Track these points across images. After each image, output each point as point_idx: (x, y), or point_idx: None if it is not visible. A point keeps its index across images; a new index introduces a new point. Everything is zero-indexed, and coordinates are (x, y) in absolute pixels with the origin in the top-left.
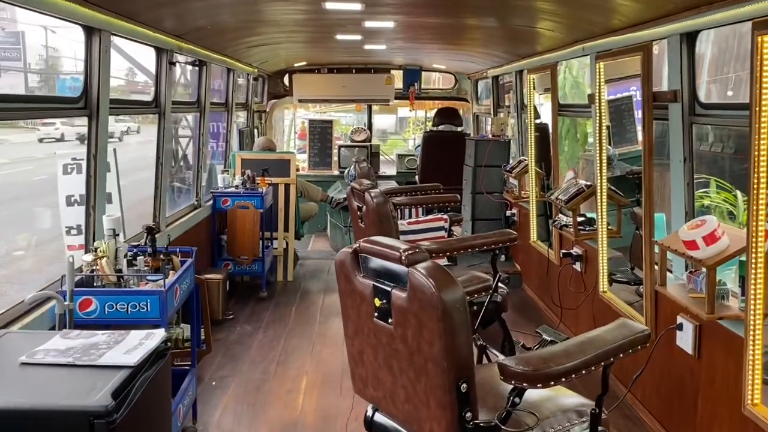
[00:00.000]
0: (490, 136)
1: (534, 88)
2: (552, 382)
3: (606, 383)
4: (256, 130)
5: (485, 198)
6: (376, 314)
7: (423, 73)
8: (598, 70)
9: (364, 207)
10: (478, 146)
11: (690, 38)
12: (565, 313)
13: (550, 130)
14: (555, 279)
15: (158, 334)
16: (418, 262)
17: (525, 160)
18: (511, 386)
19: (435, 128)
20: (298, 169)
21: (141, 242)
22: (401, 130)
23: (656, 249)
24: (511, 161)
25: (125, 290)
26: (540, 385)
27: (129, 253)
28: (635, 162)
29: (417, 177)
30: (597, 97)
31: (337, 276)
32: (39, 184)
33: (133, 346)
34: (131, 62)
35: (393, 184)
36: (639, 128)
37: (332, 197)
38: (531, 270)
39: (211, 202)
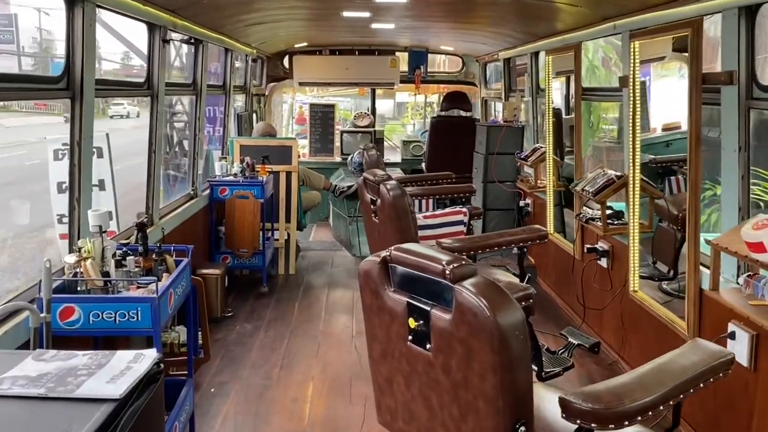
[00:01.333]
0: (502, 121)
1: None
2: (626, 422)
3: (678, 417)
4: (254, 115)
5: (497, 187)
6: (410, 337)
7: (429, 55)
8: (632, 50)
9: (379, 200)
10: (490, 132)
11: (750, 12)
12: (588, 312)
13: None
14: (577, 275)
15: (149, 356)
16: (465, 277)
17: (541, 147)
18: (576, 426)
19: (443, 113)
20: (298, 156)
21: (132, 238)
22: (399, 116)
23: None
24: (524, 148)
25: (113, 297)
26: (612, 426)
27: (118, 252)
28: (648, 150)
29: (423, 165)
30: (631, 80)
31: (361, 289)
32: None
33: (119, 372)
34: (125, 43)
35: (398, 172)
36: (652, 113)
37: (336, 185)
38: (547, 264)
39: (208, 191)
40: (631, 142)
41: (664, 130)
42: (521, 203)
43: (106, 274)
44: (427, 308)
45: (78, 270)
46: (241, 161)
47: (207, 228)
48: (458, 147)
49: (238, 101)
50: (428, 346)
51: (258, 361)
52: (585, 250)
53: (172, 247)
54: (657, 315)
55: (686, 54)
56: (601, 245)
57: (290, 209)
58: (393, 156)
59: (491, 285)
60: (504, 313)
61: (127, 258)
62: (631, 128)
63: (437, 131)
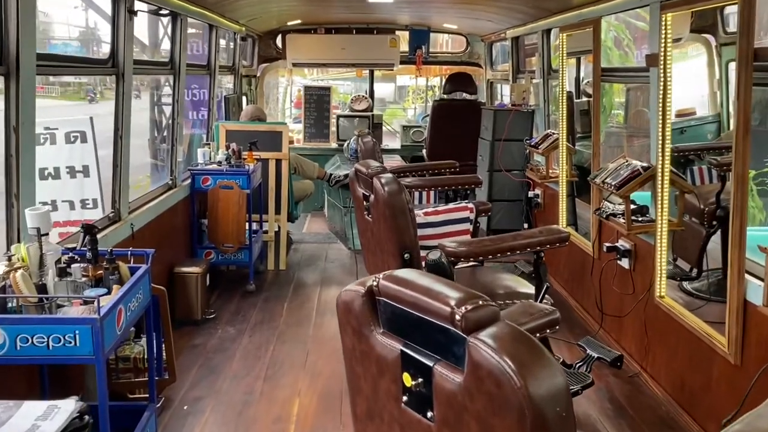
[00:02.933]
0: (510, 105)
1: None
2: None
3: None
4: (244, 98)
5: (504, 176)
6: (405, 398)
7: (431, 34)
8: (663, 24)
9: (372, 196)
10: (497, 117)
11: None
12: (605, 317)
13: (583, 99)
14: (594, 276)
15: (65, 410)
16: (484, 326)
17: (553, 133)
18: None
19: (446, 96)
20: (291, 142)
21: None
22: (400, 99)
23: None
24: (534, 134)
25: (44, 317)
26: None
27: (64, 258)
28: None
29: (424, 151)
30: (662, 58)
31: (340, 326)
32: None
33: None
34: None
35: (397, 160)
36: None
37: (331, 174)
38: (558, 261)
39: (189, 181)
40: (660, 130)
41: (677, 116)
42: (530, 194)
43: (42, 288)
44: (429, 363)
45: (7, 283)
46: (227, 148)
47: (188, 221)
48: (462, 132)
49: (229, 83)
50: (429, 414)
51: (239, 371)
52: (604, 249)
53: (129, 252)
54: (688, 325)
55: (705, 35)
56: (623, 244)
57: (280, 200)
58: (392, 142)
59: (521, 338)
60: (540, 381)
61: (73, 266)
62: (660, 114)
63: (439, 115)
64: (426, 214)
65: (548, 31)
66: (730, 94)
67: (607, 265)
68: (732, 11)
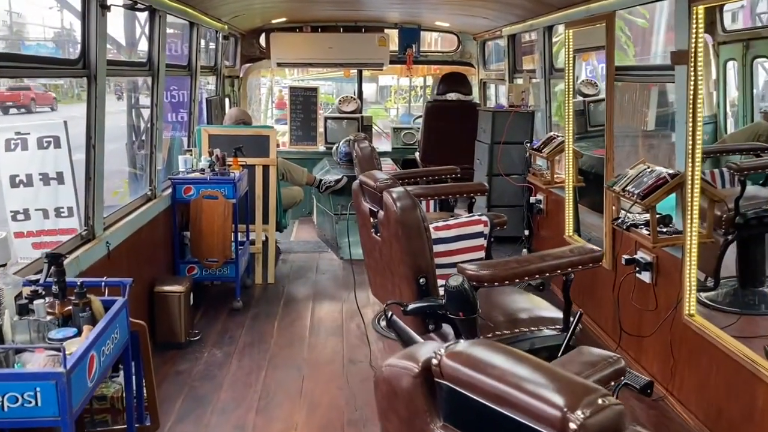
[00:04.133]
0: (507, 106)
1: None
2: None
3: None
4: (227, 100)
5: (503, 181)
6: None
7: (421, 33)
8: (694, 17)
9: (382, 213)
10: (496, 119)
11: None
12: (623, 334)
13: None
14: (609, 290)
15: None
16: None
17: (557, 136)
18: None
19: (440, 96)
20: (277, 146)
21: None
22: (382, 100)
23: None
24: (534, 137)
25: None
26: None
27: (27, 290)
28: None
29: (417, 154)
30: (693, 55)
31: (380, 410)
32: None
33: None
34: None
35: (389, 163)
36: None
37: (320, 180)
38: None
39: (170, 191)
40: (690, 133)
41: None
42: (532, 199)
43: None
44: None
45: None
46: (210, 154)
47: (169, 235)
48: (457, 135)
49: (210, 84)
50: None
51: (228, 402)
52: (622, 262)
53: (103, 283)
54: (725, 348)
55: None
56: (643, 256)
57: (268, 209)
58: (382, 144)
59: None
60: None
61: (36, 302)
62: (690, 116)
63: (433, 117)
64: (437, 229)
65: (550, 28)
66: (728, 95)
67: (625, 279)
68: (731, 8)
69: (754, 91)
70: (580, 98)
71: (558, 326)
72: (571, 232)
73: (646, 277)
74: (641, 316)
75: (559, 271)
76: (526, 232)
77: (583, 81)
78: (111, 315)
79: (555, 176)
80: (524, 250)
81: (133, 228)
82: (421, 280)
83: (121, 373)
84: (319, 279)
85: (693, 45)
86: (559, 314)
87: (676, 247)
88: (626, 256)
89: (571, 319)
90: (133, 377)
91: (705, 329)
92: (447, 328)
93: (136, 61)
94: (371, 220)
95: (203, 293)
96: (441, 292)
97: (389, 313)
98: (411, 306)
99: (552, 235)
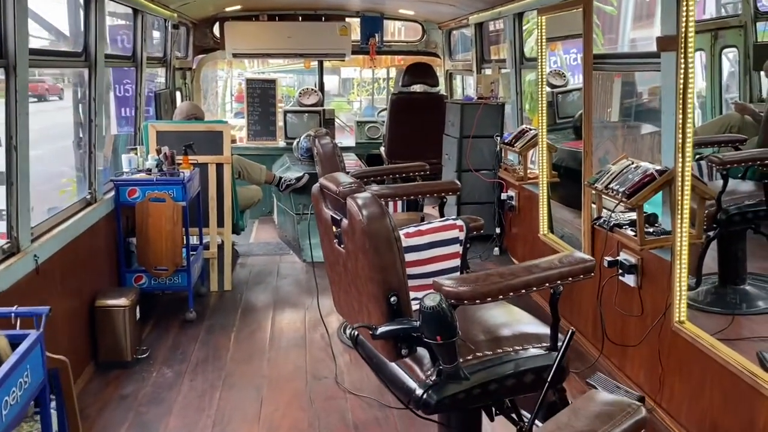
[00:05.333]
0: (476, 98)
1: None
2: None
3: None
4: (178, 93)
5: (472, 176)
6: None
7: (384, 22)
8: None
9: (345, 221)
10: (465, 111)
11: None
12: (606, 341)
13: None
14: (590, 293)
15: None
16: None
17: (530, 129)
18: None
19: (405, 88)
20: (234, 141)
21: None
22: (345, 92)
23: None
24: (505, 130)
25: None
26: None
27: None
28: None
29: (382, 149)
30: (682, 42)
31: None
32: None
33: None
34: None
35: (353, 160)
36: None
37: (281, 177)
38: None
39: (113, 193)
40: (680, 127)
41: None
42: (504, 196)
43: None
44: None
45: None
46: (158, 152)
47: (113, 242)
48: (424, 129)
49: (160, 77)
50: None
51: (178, 431)
52: (604, 264)
53: (13, 313)
54: (720, 359)
55: None
56: (627, 258)
57: (223, 210)
58: (345, 139)
59: None
60: None
61: None
62: (681, 108)
63: (399, 110)
64: (407, 236)
65: (520, 15)
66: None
67: (607, 282)
68: None
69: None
70: (548, 89)
71: (545, 344)
72: (545, 231)
73: (630, 280)
74: (625, 321)
75: (547, 284)
76: (498, 231)
77: (551, 71)
78: (17, 356)
79: (528, 172)
80: (495, 249)
81: (69, 237)
82: (392, 299)
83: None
84: (280, 284)
85: (684, 29)
86: (545, 329)
87: (662, 248)
88: (608, 258)
89: (560, 335)
90: (54, 421)
91: (697, 338)
92: (422, 350)
93: (70, 51)
94: (334, 229)
95: (153, 304)
96: (415, 304)
97: (356, 333)
98: (381, 329)
99: (525, 233)
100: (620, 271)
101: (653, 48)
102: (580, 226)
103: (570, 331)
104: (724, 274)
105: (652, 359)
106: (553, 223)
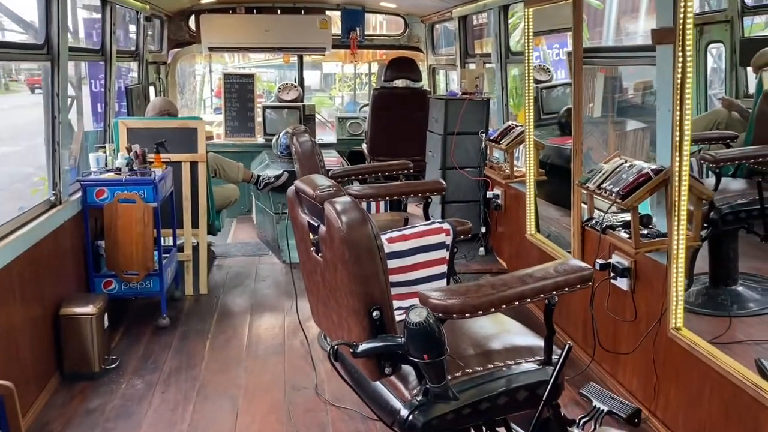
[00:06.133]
0: (460, 93)
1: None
2: None
3: None
4: (152, 88)
5: (457, 174)
6: None
7: (366, 15)
8: None
9: (323, 228)
10: (449, 107)
11: None
12: (597, 347)
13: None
14: (579, 297)
15: None
16: None
17: (516, 126)
18: None
19: (388, 84)
20: (210, 138)
21: None
22: (327, 87)
23: None
24: (490, 126)
25: None
26: None
27: None
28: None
29: (364, 146)
30: (681, 32)
31: None
32: None
33: None
34: None
35: (334, 157)
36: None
37: (259, 176)
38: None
39: (80, 194)
40: (678, 124)
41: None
42: (489, 194)
43: None
44: None
45: None
46: (128, 150)
47: (80, 246)
48: (407, 125)
49: (134, 72)
50: None
51: None
52: (596, 266)
53: None
54: (720, 369)
55: None
56: (619, 261)
57: (198, 211)
58: (326, 135)
59: None
60: None
61: None
62: (678, 104)
63: (381, 105)
64: (390, 241)
65: (506, 8)
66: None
67: (599, 285)
68: None
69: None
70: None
71: (538, 357)
72: (533, 231)
73: (622, 284)
74: (617, 326)
75: (542, 295)
76: (483, 230)
77: (535, 66)
78: None
79: (515, 170)
80: (481, 249)
81: (30, 241)
82: (374, 313)
83: None
84: (258, 287)
85: (681, 20)
86: (538, 341)
87: (657, 251)
88: (600, 261)
89: (555, 348)
90: None
91: (695, 345)
92: (407, 368)
93: (29, 44)
94: (311, 236)
95: (123, 310)
96: (399, 313)
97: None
98: (362, 347)
99: (511, 232)
100: (612, 274)
101: (638, 42)
102: (568, 225)
103: (567, 345)
104: (715, 275)
105: (646, 366)
106: (539, 222)
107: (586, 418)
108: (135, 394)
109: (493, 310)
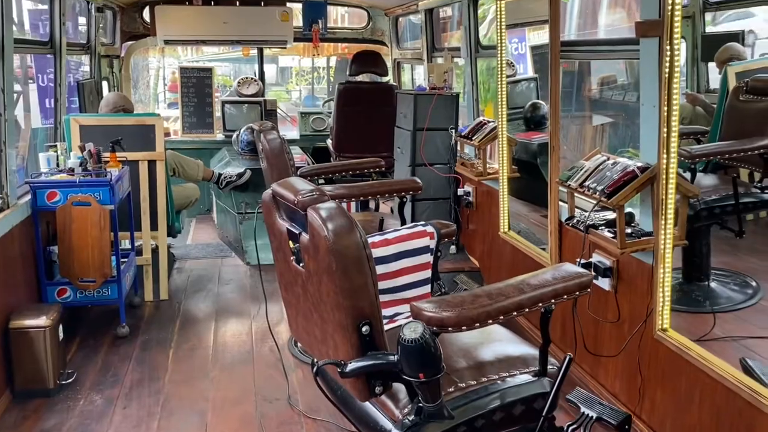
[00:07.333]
0: (429, 88)
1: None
2: None
3: None
4: (105, 83)
5: (427, 171)
6: None
7: (328, 7)
8: None
9: (306, 236)
10: (418, 103)
11: None
12: (578, 347)
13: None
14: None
15: None
16: None
17: (488, 122)
18: None
19: (353, 78)
20: (167, 134)
21: None
22: (283, 81)
23: None
24: (460, 122)
25: None
26: None
27: None
28: None
29: (329, 142)
30: (667, 24)
31: None
32: None
33: None
34: None
35: (298, 153)
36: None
37: (220, 174)
38: (500, 273)
39: (29, 197)
40: (665, 119)
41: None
42: (460, 191)
43: None
44: None
45: None
46: (81, 149)
47: (30, 252)
48: (374, 121)
49: (85, 65)
50: None
51: None
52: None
53: None
54: (712, 371)
55: None
56: (601, 260)
57: (157, 212)
58: (287, 131)
59: None
60: None
61: None
62: (665, 99)
63: (346, 101)
64: (373, 246)
65: (476, 1)
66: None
67: None
68: None
69: None
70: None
71: (533, 368)
72: (506, 229)
73: (604, 284)
74: (599, 327)
75: (540, 304)
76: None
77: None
78: None
79: (487, 166)
80: (452, 247)
81: None
82: (363, 329)
83: None
84: (222, 291)
85: (669, 11)
86: (530, 350)
87: (643, 251)
88: (581, 261)
89: (550, 358)
90: None
91: (683, 347)
92: (398, 384)
93: None
94: (290, 244)
95: (79, 319)
96: (389, 323)
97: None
98: (351, 366)
99: (484, 230)
100: (594, 274)
101: (600, 36)
102: (537, 221)
103: (567, 356)
104: (688, 271)
105: (630, 368)
106: (510, 220)
107: (575, 426)
108: (94, 411)
109: (490, 321)
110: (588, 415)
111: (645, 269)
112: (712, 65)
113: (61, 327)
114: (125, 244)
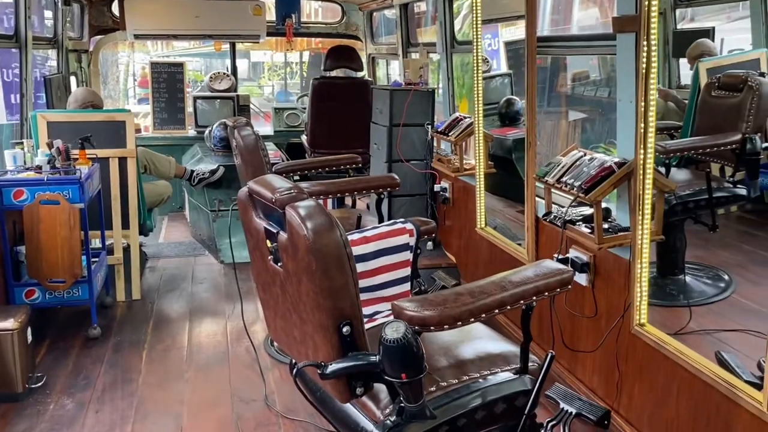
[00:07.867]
0: (404, 83)
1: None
2: None
3: None
4: (73, 78)
5: (404, 167)
6: None
7: (301, 2)
8: None
9: (284, 235)
10: (394, 98)
11: None
12: (556, 344)
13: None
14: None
15: None
16: None
17: (465, 118)
18: None
19: (328, 73)
20: (138, 131)
21: None
22: (256, 77)
23: None
24: (436, 117)
25: None
26: None
27: None
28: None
29: (304, 138)
30: (644, 19)
31: None
32: None
33: None
34: None
35: (272, 150)
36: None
37: (192, 171)
38: (478, 268)
39: None
40: (642, 115)
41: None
42: (436, 187)
43: None
44: None
45: None
46: (49, 147)
47: None
48: (349, 116)
49: (52, 60)
50: None
51: None
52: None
53: None
54: (690, 366)
55: None
56: (578, 256)
57: (128, 210)
58: (261, 127)
59: None
60: None
61: None
62: (642, 94)
63: (321, 96)
64: (352, 243)
65: None
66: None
67: None
68: None
69: None
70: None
71: (514, 366)
72: (483, 225)
73: (581, 279)
74: (576, 322)
75: (522, 301)
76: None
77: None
78: None
79: (464, 162)
80: (429, 243)
81: None
82: (344, 329)
83: None
84: (195, 290)
85: (646, 7)
86: (510, 347)
87: (620, 246)
88: (558, 256)
89: (531, 356)
90: None
91: (661, 342)
92: (379, 386)
93: None
94: (267, 243)
95: (49, 321)
96: (368, 322)
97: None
98: (332, 367)
99: (460, 226)
100: (571, 269)
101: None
102: (512, 216)
103: (549, 354)
104: (663, 265)
105: (607, 363)
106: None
107: (554, 422)
108: (65, 416)
109: (472, 320)
110: (567, 411)
111: (622, 264)
112: (683, 61)
113: (29, 329)
114: (96, 243)
